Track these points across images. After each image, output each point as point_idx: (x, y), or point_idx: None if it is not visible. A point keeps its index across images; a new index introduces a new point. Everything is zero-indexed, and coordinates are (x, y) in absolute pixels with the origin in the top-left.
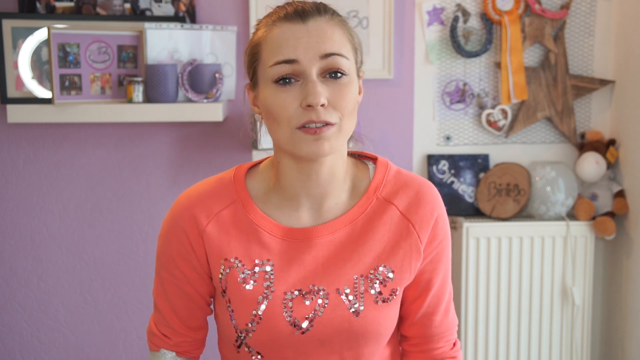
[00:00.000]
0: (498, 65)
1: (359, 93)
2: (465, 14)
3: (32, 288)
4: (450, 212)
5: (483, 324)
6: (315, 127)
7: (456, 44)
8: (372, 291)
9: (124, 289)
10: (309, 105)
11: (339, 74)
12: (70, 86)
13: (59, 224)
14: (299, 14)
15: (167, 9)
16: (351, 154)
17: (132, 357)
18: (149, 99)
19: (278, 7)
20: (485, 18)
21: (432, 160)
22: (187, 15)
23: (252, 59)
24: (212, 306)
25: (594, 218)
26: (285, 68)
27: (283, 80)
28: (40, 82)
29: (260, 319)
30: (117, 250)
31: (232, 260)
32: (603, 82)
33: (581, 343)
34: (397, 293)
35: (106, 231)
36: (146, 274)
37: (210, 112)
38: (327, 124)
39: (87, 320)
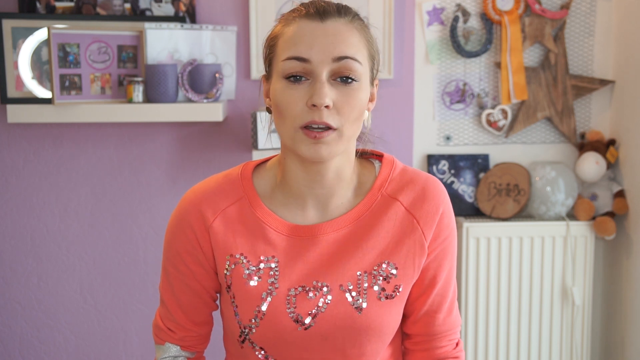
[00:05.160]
0: (498, 65)
1: (371, 100)
2: (465, 14)
3: (32, 288)
4: None
5: (483, 324)
6: (317, 131)
7: (456, 44)
8: (376, 287)
9: (124, 289)
10: (313, 105)
11: (349, 79)
12: (70, 86)
13: (59, 224)
14: (319, 13)
15: (167, 9)
16: (357, 152)
17: (132, 357)
18: (149, 99)
19: (302, 4)
20: (485, 18)
21: (432, 160)
22: (187, 15)
23: (269, 51)
24: (217, 302)
25: (594, 218)
26: (296, 65)
27: (293, 77)
28: (40, 82)
29: (264, 315)
30: (117, 250)
31: (237, 256)
32: (603, 82)
33: (581, 343)
34: (400, 290)
35: (106, 231)
36: (146, 274)
37: (210, 112)
38: (328, 127)
39: (87, 320)
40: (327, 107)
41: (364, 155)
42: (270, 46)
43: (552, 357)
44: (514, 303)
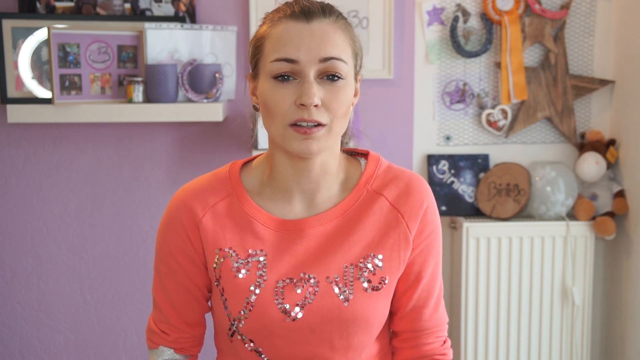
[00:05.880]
0: (498, 65)
1: (355, 95)
2: (465, 14)
3: (32, 288)
4: (450, 212)
5: (483, 324)
6: (306, 126)
7: (456, 44)
8: (362, 279)
9: (124, 289)
10: (302, 104)
11: (335, 77)
12: (70, 86)
13: (59, 224)
14: (305, 13)
15: (167, 9)
16: (344, 151)
17: (132, 357)
18: (149, 99)
19: (286, 3)
20: (485, 18)
21: (432, 160)
22: (187, 15)
23: (255, 51)
24: (210, 303)
25: (594, 218)
26: (284, 66)
27: (282, 77)
28: (40, 82)
29: (253, 306)
30: (117, 250)
31: (226, 250)
32: (603, 82)
33: (581, 343)
34: (386, 282)
35: (106, 231)
36: (146, 274)
37: (210, 112)
38: (318, 124)
39: (87, 320)
40: (315, 106)
41: (351, 154)
42: (257, 46)
43: (552, 357)
44: (514, 303)
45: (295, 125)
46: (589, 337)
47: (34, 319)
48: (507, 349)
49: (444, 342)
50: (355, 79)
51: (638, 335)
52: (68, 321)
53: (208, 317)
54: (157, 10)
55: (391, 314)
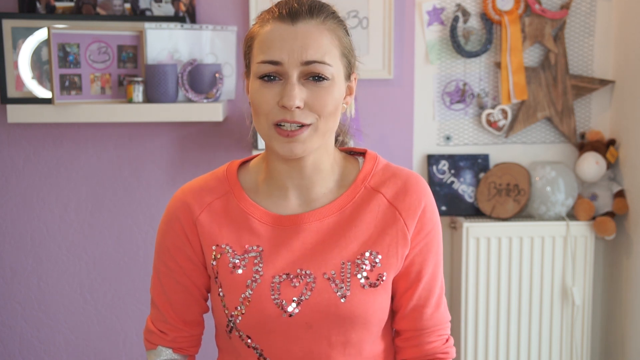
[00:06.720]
0: (498, 65)
1: (350, 94)
2: (465, 14)
3: (32, 288)
4: (450, 212)
5: (483, 324)
6: (289, 129)
7: (456, 44)
8: (359, 276)
9: (124, 289)
10: (284, 106)
11: (320, 78)
12: (70, 86)
13: (59, 224)
14: (290, 15)
15: (167, 9)
16: (342, 150)
17: (132, 357)
18: (149, 99)
19: (277, 4)
20: (485, 18)
21: (432, 160)
22: (187, 15)
23: (247, 50)
24: (208, 303)
25: (594, 218)
26: (269, 68)
27: (267, 77)
28: (40, 82)
29: (249, 301)
30: (117, 250)
31: (223, 246)
32: (603, 82)
33: (581, 343)
34: (384, 278)
35: (106, 231)
36: (146, 274)
37: (210, 112)
38: (302, 125)
39: (87, 320)
40: (298, 107)
41: (349, 153)
42: (248, 46)
43: (552, 357)
44: (514, 303)
45: (278, 126)
46: (589, 337)
47: (34, 319)
48: (507, 348)
49: (447, 340)
50: (349, 78)
51: (638, 335)
52: (68, 321)
53: (207, 317)
54: (157, 10)
55: (393, 313)
